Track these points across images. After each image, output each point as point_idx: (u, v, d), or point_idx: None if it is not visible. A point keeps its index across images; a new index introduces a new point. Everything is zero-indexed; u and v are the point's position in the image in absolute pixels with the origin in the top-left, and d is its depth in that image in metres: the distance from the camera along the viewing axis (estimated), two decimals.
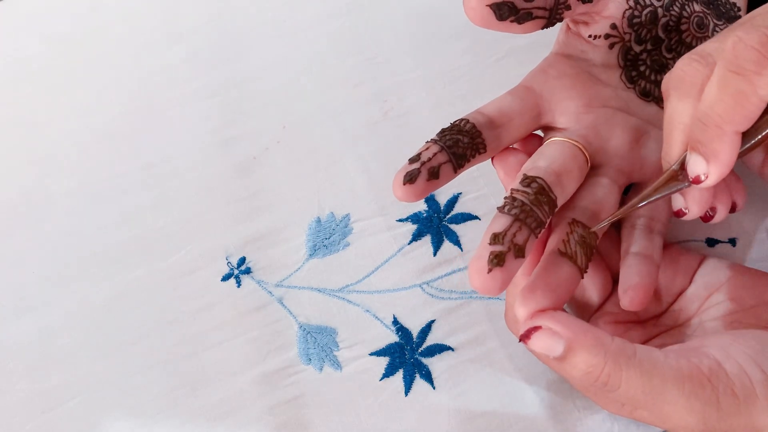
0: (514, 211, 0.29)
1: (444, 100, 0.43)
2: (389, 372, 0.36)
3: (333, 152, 0.42)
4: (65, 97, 0.46)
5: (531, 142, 0.35)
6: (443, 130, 0.32)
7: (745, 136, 0.26)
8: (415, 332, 0.37)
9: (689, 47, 0.35)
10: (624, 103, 0.35)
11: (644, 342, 0.32)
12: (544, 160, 0.31)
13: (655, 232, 0.33)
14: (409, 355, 0.36)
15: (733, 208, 0.33)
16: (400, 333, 0.37)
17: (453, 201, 0.40)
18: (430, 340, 0.36)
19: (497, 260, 0.27)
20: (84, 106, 0.45)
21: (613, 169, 0.33)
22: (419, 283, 0.38)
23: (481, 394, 0.35)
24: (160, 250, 0.40)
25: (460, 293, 0.38)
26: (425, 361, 0.36)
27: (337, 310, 0.38)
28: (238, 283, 0.39)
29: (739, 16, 0.37)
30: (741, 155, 0.27)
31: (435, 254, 0.39)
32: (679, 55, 0.35)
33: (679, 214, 0.31)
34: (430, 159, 0.31)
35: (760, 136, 0.27)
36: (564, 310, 0.29)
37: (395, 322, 0.37)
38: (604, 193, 0.32)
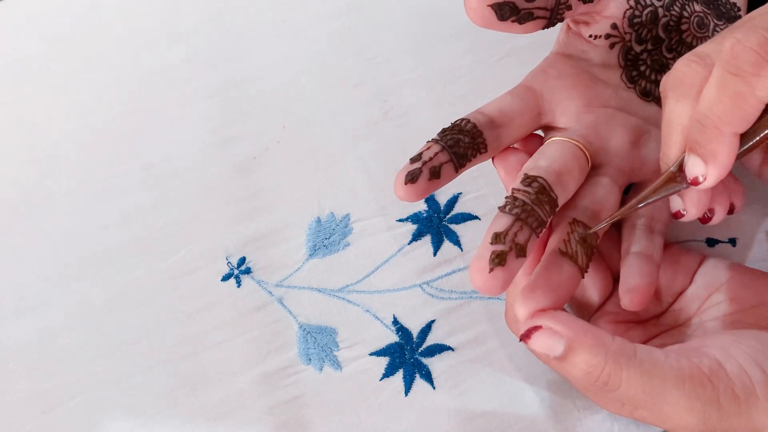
0: (515, 211, 0.29)
1: (444, 100, 0.43)
2: (389, 372, 0.36)
3: (333, 152, 0.42)
4: (65, 97, 0.46)
5: (531, 142, 0.35)
6: (444, 130, 0.32)
7: (744, 137, 0.26)
8: (415, 332, 0.37)
9: (690, 47, 0.35)
10: (624, 103, 0.35)
11: (644, 342, 0.32)
12: (545, 160, 0.31)
13: (656, 232, 0.33)
14: (409, 355, 0.36)
15: (731, 210, 0.33)
16: (400, 333, 0.37)
17: (453, 201, 0.40)
18: (430, 340, 0.36)
19: (498, 260, 0.27)
20: (84, 106, 0.45)
21: (614, 168, 0.33)
22: (419, 283, 0.38)
23: (481, 394, 0.35)
24: (160, 250, 0.40)
25: (460, 293, 0.38)
26: (425, 361, 0.36)
27: (337, 310, 0.38)
28: (238, 283, 0.39)
29: (740, 16, 0.37)
30: (739, 157, 0.27)
31: (435, 254, 0.39)
32: (680, 54, 0.35)
33: (677, 215, 0.31)
34: (431, 158, 0.31)
35: (758, 138, 0.26)
36: (564, 310, 0.29)
37: (395, 322, 0.37)
38: (604, 192, 0.32)
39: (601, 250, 0.35)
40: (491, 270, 0.27)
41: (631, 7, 0.35)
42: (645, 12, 0.35)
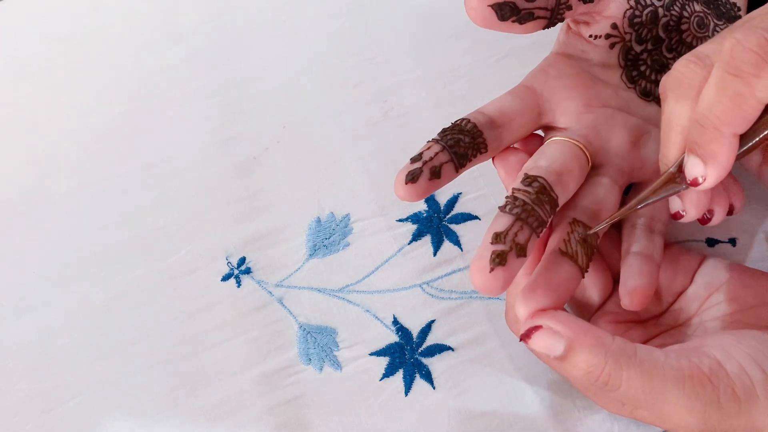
0: (515, 211, 0.29)
1: (444, 100, 0.43)
2: (389, 372, 0.36)
3: (333, 152, 0.42)
4: (65, 97, 0.46)
5: (532, 142, 0.35)
6: (444, 130, 0.32)
7: (743, 138, 0.26)
8: (415, 332, 0.37)
9: (690, 47, 0.35)
10: (624, 102, 0.35)
11: (645, 342, 0.32)
12: (545, 160, 0.31)
13: (656, 232, 0.33)
14: (409, 355, 0.36)
15: (730, 211, 0.33)
16: (400, 333, 0.37)
17: (453, 201, 0.40)
18: (430, 340, 0.36)
19: (499, 259, 0.27)
20: (84, 106, 0.45)
21: (614, 168, 0.33)
22: (419, 283, 0.38)
23: (481, 394, 0.35)
24: (160, 250, 0.40)
25: (460, 293, 0.38)
26: (425, 361, 0.36)
27: (337, 310, 0.38)
28: (238, 283, 0.39)
29: (740, 16, 0.37)
30: (739, 157, 0.27)
31: (435, 254, 0.39)
32: (680, 54, 0.35)
33: (676, 216, 0.31)
34: (431, 158, 0.31)
35: (757, 138, 0.26)
36: (565, 310, 0.29)
37: (395, 322, 0.37)
38: (604, 192, 0.32)
39: (601, 250, 0.35)
40: (492, 270, 0.27)
41: (631, 7, 0.35)
42: (645, 12, 0.35)
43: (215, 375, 0.36)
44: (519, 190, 0.30)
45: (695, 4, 0.36)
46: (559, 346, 0.27)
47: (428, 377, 0.35)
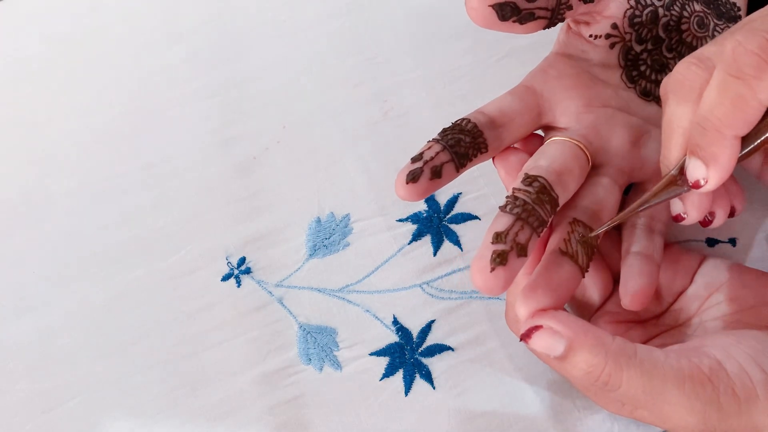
0: (516, 210, 0.29)
1: (444, 100, 0.43)
2: (389, 372, 0.36)
3: (333, 152, 0.42)
4: (65, 97, 0.46)
5: (532, 142, 0.35)
6: (445, 130, 0.32)
7: (745, 140, 0.26)
8: (415, 332, 0.37)
9: (690, 47, 0.35)
10: (624, 102, 0.35)
11: (645, 342, 0.32)
12: (546, 160, 0.31)
13: (656, 232, 0.33)
14: (409, 355, 0.36)
15: (732, 213, 0.33)
16: (400, 333, 0.37)
17: (453, 201, 0.40)
18: (430, 340, 0.36)
19: (500, 259, 0.27)
20: (84, 106, 0.45)
21: (614, 168, 0.33)
22: (419, 283, 0.38)
23: (481, 394, 0.35)
24: (160, 250, 0.40)
25: (460, 293, 0.37)
26: (425, 361, 0.36)
27: (337, 310, 0.38)
28: (238, 283, 0.39)
29: (740, 16, 0.37)
30: (740, 159, 0.27)
31: (435, 254, 0.39)
32: (680, 54, 0.35)
33: (677, 218, 0.31)
34: (432, 158, 0.31)
35: (759, 141, 0.26)
36: (565, 310, 0.29)
37: (395, 322, 0.37)
38: (604, 192, 0.32)
39: (601, 250, 0.35)
40: (492, 269, 0.27)
41: (631, 7, 0.35)
42: (645, 12, 0.35)
43: (215, 375, 0.36)
44: (519, 189, 0.30)
45: (695, 3, 0.36)
46: (560, 346, 0.27)
47: (428, 377, 0.35)
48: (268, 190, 0.41)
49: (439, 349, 0.36)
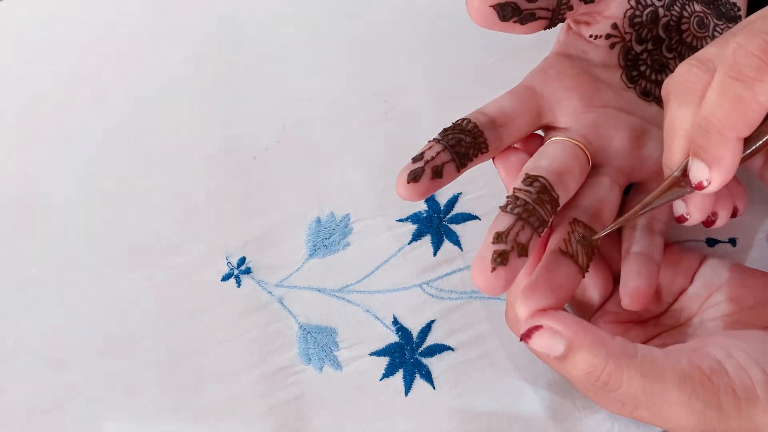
0: (516, 210, 0.29)
1: (444, 100, 0.43)
2: (389, 372, 0.36)
3: (333, 152, 0.42)
4: (65, 97, 0.46)
5: (532, 142, 0.35)
6: (445, 130, 0.32)
7: (747, 141, 0.26)
8: (415, 332, 0.37)
9: (690, 47, 0.35)
10: (624, 102, 0.35)
11: (645, 341, 0.32)
12: (546, 160, 0.31)
13: (656, 232, 0.33)
14: (409, 355, 0.36)
15: (734, 213, 0.33)
16: (400, 333, 0.37)
17: (453, 201, 0.40)
18: (430, 340, 0.36)
19: (501, 259, 0.27)
20: (84, 107, 0.45)
21: (614, 168, 0.33)
22: (419, 283, 0.38)
23: (481, 394, 0.35)
24: (160, 250, 0.40)
25: (460, 293, 0.37)
26: (425, 361, 0.36)
27: (337, 310, 0.38)
28: (238, 283, 0.39)
29: (740, 16, 0.37)
30: (743, 160, 0.27)
31: (435, 254, 0.39)
32: (680, 54, 0.35)
33: (680, 219, 0.31)
34: (433, 158, 0.31)
35: (761, 142, 0.27)
36: (565, 310, 0.29)
37: (395, 322, 0.37)
38: (605, 192, 0.32)
39: (601, 250, 0.35)
40: (493, 269, 0.27)
41: (631, 7, 0.35)
42: (645, 12, 0.35)
43: (215, 375, 0.36)
44: (520, 189, 0.30)
45: (695, 4, 0.36)
46: (560, 346, 0.27)
47: (428, 377, 0.35)
48: (268, 190, 0.41)
49: (439, 349, 0.36)
